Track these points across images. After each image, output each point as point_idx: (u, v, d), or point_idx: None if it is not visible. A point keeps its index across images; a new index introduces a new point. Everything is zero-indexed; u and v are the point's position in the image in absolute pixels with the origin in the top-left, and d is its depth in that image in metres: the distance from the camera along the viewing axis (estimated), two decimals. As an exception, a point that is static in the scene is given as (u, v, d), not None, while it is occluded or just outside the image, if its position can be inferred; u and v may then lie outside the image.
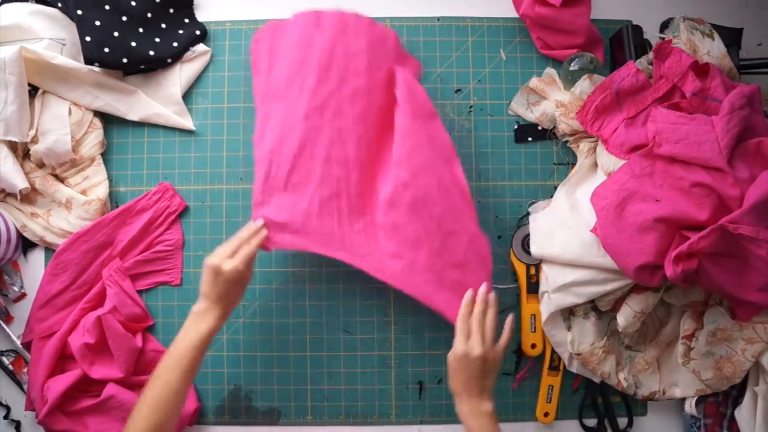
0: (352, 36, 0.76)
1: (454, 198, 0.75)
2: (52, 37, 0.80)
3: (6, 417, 0.81)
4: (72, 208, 0.80)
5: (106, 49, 0.79)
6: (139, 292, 0.82)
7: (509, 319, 0.74)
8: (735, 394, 0.77)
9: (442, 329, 0.81)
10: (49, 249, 0.82)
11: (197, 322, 0.69)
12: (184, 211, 0.84)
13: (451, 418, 0.80)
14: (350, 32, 0.76)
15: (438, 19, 0.86)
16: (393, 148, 0.76)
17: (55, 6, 0.82)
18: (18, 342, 0.81)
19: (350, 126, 0.75)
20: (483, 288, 0.73)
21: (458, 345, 0.69)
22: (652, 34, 0.83)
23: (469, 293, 0.73)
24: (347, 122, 0.75)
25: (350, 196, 0.76)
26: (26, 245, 0.83)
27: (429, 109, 0.76)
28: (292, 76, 0.76)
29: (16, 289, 0.82)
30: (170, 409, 0.64)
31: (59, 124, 0.79)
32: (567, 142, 0.83)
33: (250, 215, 0.76)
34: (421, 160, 0.75)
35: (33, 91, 0.80)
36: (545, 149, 0.85)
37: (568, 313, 0.78)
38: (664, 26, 0.84)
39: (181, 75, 0.84)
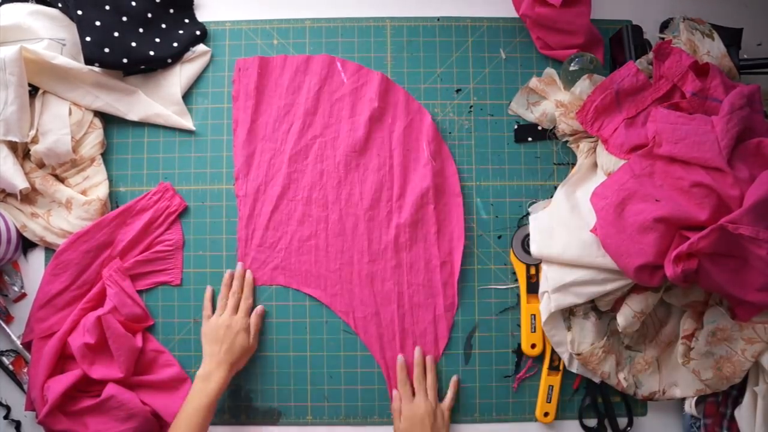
0: (338, 81, 0.83)
1: (435, 277, 0.82)
2: (52, 37, 0.80)
3: (6, 417, 0.81)
4: (72, 209, 0.80)
5: (106, 49, 0.79)
6: (139, 292, 0.82)
7: (454, 378, 0.79)
8: (735, 394, 0.77)
9: (442, 329, 0.82)
10: (49, 249, 0.82)
11: (204, 383, 0.72)
12: (184, 211, 0.84)
13: (452, 417, 0.80)
14: (336, 78, 0.83)
15: (438, 19, 0.86)
16: (404, 207, 0.81)
17: (55, 6, 0.82)
18: (18, 342, 0.81)
19: (332, 169, 0.82)
20: (418, 351, 0.79)
21: (403, 407, 0.74)
22: (652, 34, 0.83)
23: (400, 358, 0.79)
24: (329, 165, 0.82)
25: (328, 236, 0.81)
26: (26, 245, 0.83)
27: (456, 189, 0.83)
28: (279, 119, 0.83)
29: (16, 289, 0.82)
30: None
31: (59, 124, 0.79)
32: (567, 142, 0.83)
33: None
34: (426, 234, 0.81)
35: (33, 91, 0.80)
36: (545, 149, 0.85)
37: (568, 313, 0.78)
38: (664, 26, 0.84)
39: (181, 75, 0.84)
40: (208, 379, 0.72)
